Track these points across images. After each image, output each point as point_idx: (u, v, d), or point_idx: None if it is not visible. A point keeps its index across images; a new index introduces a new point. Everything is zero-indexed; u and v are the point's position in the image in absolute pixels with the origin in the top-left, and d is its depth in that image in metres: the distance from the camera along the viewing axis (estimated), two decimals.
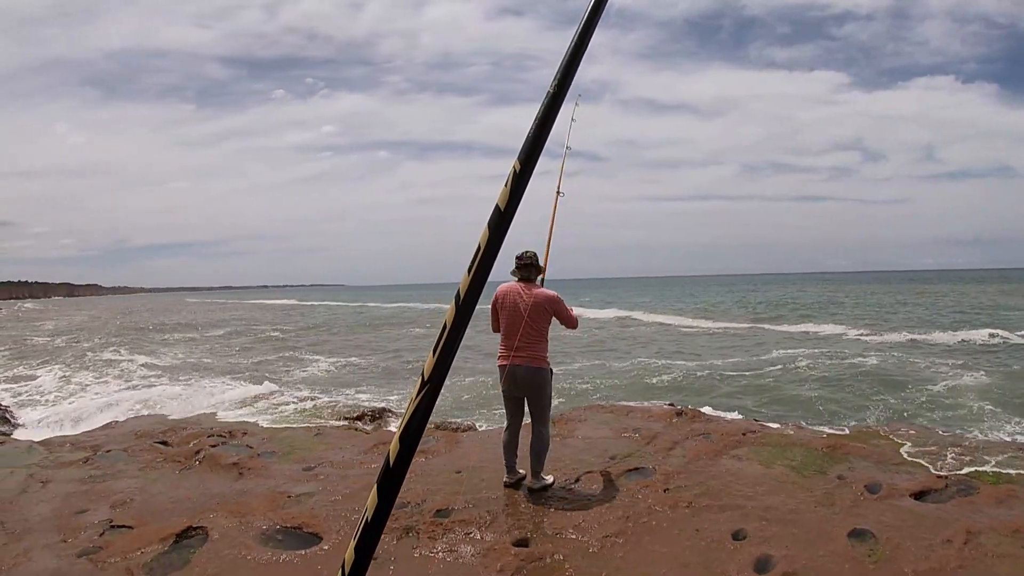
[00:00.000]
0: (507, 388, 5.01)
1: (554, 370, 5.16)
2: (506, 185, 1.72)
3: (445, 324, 1.76)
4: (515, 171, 1.71)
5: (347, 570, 1.75)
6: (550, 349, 5.02)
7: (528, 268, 5.01)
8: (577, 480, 5.24)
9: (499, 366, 4.99)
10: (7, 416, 12.73)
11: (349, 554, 1.75)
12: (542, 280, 5.19)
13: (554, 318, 5.04)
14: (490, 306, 5.02)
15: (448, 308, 1.77)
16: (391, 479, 1.73)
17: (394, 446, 1.75)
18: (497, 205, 1.72)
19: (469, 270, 1.74)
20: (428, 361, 1.76)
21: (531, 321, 4.88)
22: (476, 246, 1.74)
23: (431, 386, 1.74)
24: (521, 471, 5.22)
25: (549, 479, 5.11)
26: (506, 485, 5.15)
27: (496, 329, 5.10)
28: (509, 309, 4.95)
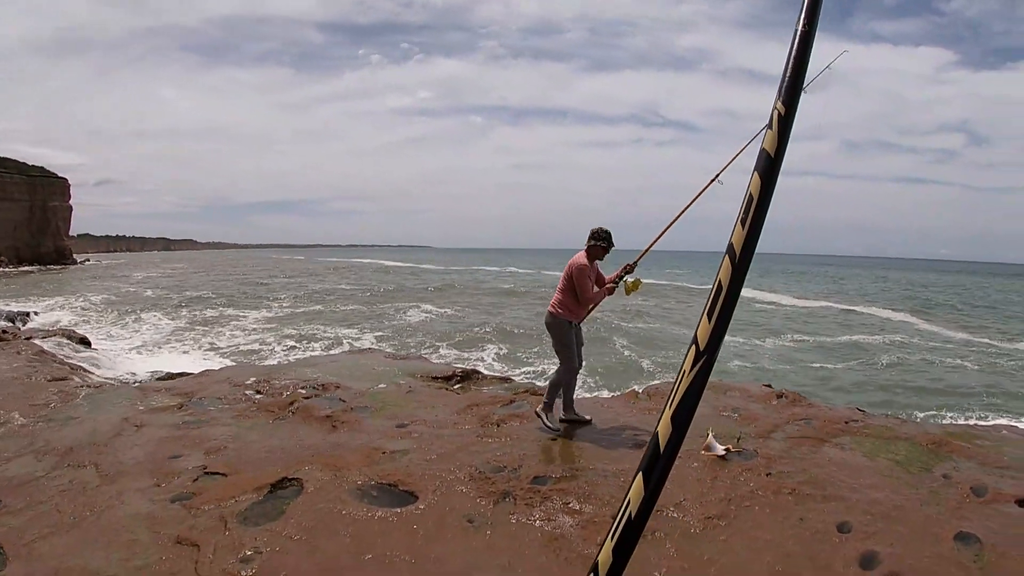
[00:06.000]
0: None
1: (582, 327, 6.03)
2: (771, 128, 1.56)
3: (720, 284, 1.56)
4: (779, 114, 1.56)
5: (602, 575, 1.56)
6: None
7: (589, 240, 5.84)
8: (678, 457, 5.08)
9: None
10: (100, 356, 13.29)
11: (604, 556, 1.55)
12: (637, 261, 5.87)
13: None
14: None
15: (723, 265, 1.56)
16: (661, 466, 1.54)
17: (664, 427, 1.53)
18: (764, 150, 1.56)
19: (742, 223, 1.55)
20: (702, 327, 1.56)
21: (563, 278, 5.82)
22: (747, 195, 1.57)
23: (707, 357, 1.54)
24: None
25: (546, 419, 5.80)
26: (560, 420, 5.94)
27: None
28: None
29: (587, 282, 5.72)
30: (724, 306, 1.55)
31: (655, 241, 5.66)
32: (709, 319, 1.54)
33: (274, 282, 54.02)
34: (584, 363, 6.11)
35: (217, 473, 4.91)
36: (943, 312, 38.65)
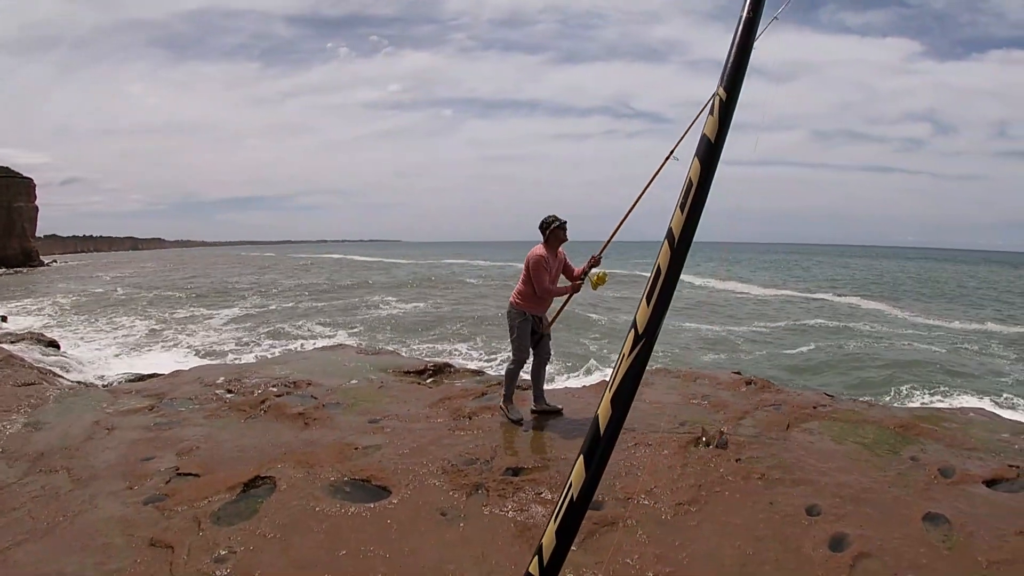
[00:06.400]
0: None
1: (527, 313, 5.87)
2: (712, 114, 1.56)
3: (659, 268, 1.56)
4: (720, 100, 1.55)
5: (546, 557, 1.57)
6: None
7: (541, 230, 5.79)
8: (648, 445, 5.15)
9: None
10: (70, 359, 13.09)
11: (548, 538, 1.57)
12: (601, 253, 5.81)
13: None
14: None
15: (662, 250, 1.56)
16: (601, 448, 1.55)
17: (604, 410, 1.53)
18: (705, 135, 1.56)
19: (681, 208, 1.56)
20: (641, 311, 1.56)
21: (523, 269, 5.79)
22: (687, 180, 1.57)
23: (646, 340, 1.55)
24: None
25: (508, 411, 5.90)
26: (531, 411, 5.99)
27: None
28: None
29: (543, 274, 5.70)
30: (663, 290, 1.56)
31: (618, 228, 5.54)
32: (648, 303, 1.56)
33: (245, 279, 53.56)
34: (552, 355, 6.13)
35: (190, 474, 4.88)
36: (910, 298, 39.32)
